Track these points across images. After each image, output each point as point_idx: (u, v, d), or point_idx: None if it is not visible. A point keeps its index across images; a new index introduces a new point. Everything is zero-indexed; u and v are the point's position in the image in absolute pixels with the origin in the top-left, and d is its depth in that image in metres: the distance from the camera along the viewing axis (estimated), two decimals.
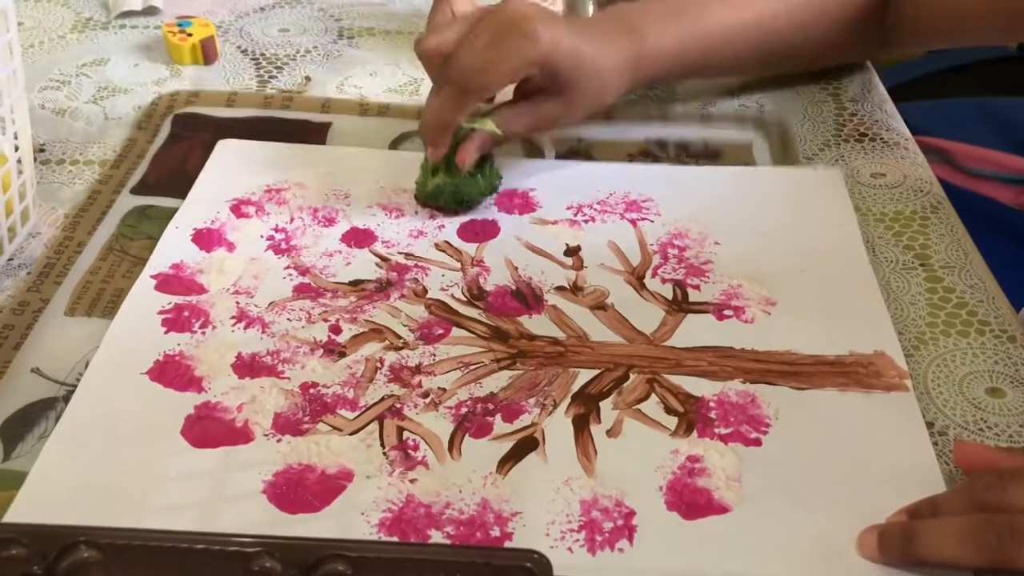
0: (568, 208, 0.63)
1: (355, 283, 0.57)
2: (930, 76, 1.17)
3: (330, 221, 0.62)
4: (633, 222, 0.62)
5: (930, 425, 0.50)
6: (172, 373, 0.51)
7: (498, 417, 0.49)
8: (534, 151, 0.69)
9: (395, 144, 0.70)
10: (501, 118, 0.61)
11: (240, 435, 0.48)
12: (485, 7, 0.60)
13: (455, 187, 0.61)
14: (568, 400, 0.50)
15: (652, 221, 0.62)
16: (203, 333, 0.54)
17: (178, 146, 0.69)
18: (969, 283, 0.58)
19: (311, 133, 0.71)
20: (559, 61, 0.59)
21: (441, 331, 0.54)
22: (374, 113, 0.73)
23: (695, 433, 0.49)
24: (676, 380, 0.51)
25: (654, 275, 0.58)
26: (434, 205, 0.62)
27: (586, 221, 0.62)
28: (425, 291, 0.57)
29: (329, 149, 0.69)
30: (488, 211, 0.63)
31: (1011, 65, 1.16)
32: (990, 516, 0.41)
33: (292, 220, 0.62)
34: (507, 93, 0.63)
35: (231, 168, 0.66)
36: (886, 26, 0.68)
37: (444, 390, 0.51)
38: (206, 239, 0.60)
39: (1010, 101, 1.06)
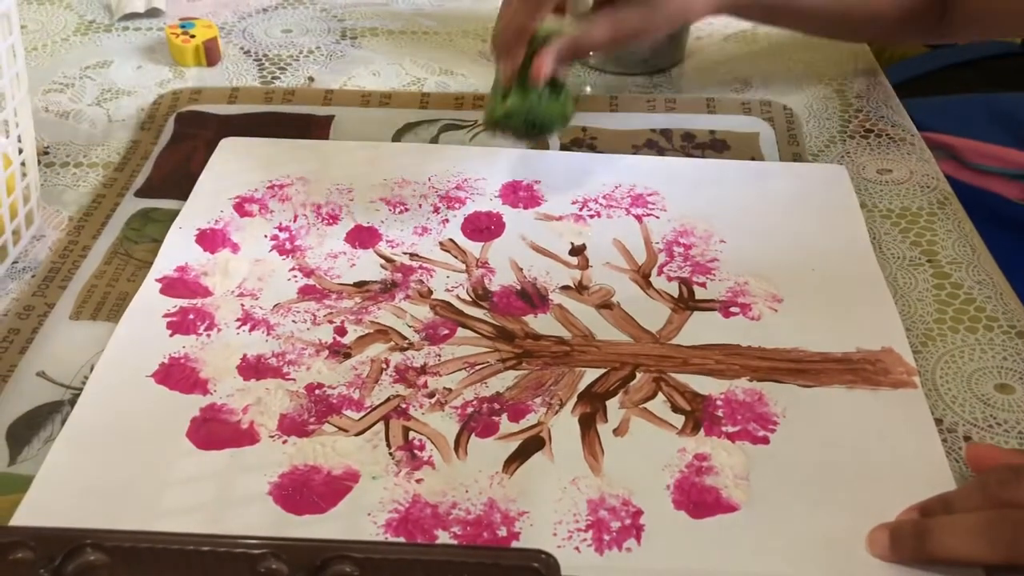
0: (574, 203, 0.63)
1: (360, 284, 0.57)
2: (936, 72, 1.16)
3: (334, 218, 0.62)
4: (639, 218, 0.62)
5: (939, 422, 0.49)
6: (177, 376, 0.51)
7: (504, 417, 0.49)
8: (540, 143, 0.68)
9: (398, 136, 0.70)
10: (581, 25, 0.58)
11: (246, 437, 0.48)
12: None
13: (529, 109, 0.57)
14: (574, 399, 0.50)
15: (658, 217, 0.62)
16: (208, 336, 0.54)
17: (181, 146, 0.69)
18: (977, 279, 0.58)
19: (315, 127, 0.70)
20: None
21: (446, 331, 0.54)
22: (376, 104, 0.73)
23: (702, 431, 0.49)
24: (683, 378, 0.51)
25: (660, 273, 0.58)
26: (505, 130, 0.59)
27: (591, 216, 0.62)
28: (430, 292, 0.57)
29: (331, 144, 0.69)
30: (493, 204, 0.63)
31: (1017, 60, 1.15)
32: (1005, 512, 0.41)
33: (296, 218, 0.62)
34: (586, 4, 0.61)
35: (233, 166, 0.66)
36: (948, 13, 0.68)
37: (450, 390, 0.51)
38: (210, 240, 0.60)
39: (1017, 97, 1.05)
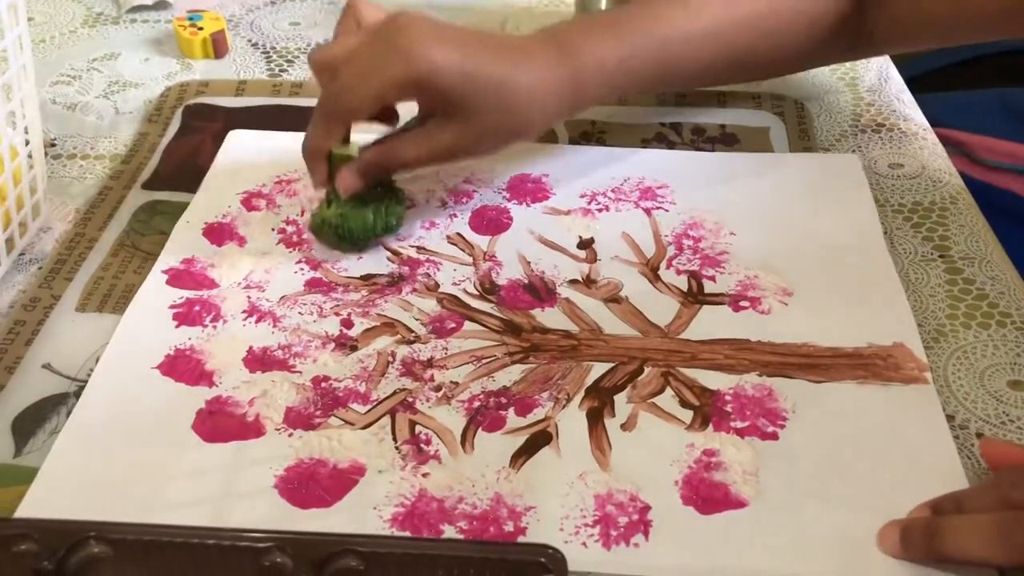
0: (582, 196, 0.62)
1: (367, 277, 0.57)
2: (948, 68, 1.16)
3: None
4: (648, 211, 0.61)
5: (951, 418, 0.49)
6: (183, 367, 0.51)
7: (511, 411, 0.49)
8: (548, 136, 0.68)
9: (406, 128, 0.69)
10: (384, 146, 0.56)
11: (251, 430, 0.48)
12: (391, 17, 0.54)
13: (339, 221, 0.56)
14: (582, 394, 0.50)
15: (667, 210, 0.61)
16: (214, 327, 0.53)
17: (189, 138, 0.69)
18: (989, 274, 0.57)
19: None
20: (443, 82, 0.52)
21: (453, 325, 0.54)
22: None
23: (711, 427, 0.48)
24: (691, 373, 0.51)
25: (669, 266, 0.57)
26: (320, 239, 0.58)
27: (600, 210, 0.61)
28: (437, 285, 0.56)
29: None
30: (500, 199, 0.62)
31: None
32: (1018, 514, 0.40)
33: (303, 212, 0.61)
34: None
35: (241, 160, 0.66)
36: (865, 30, 0.63)
37: (456, 384, 0.50)
38: (217, 233, 0.60)
39: None
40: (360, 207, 0.56)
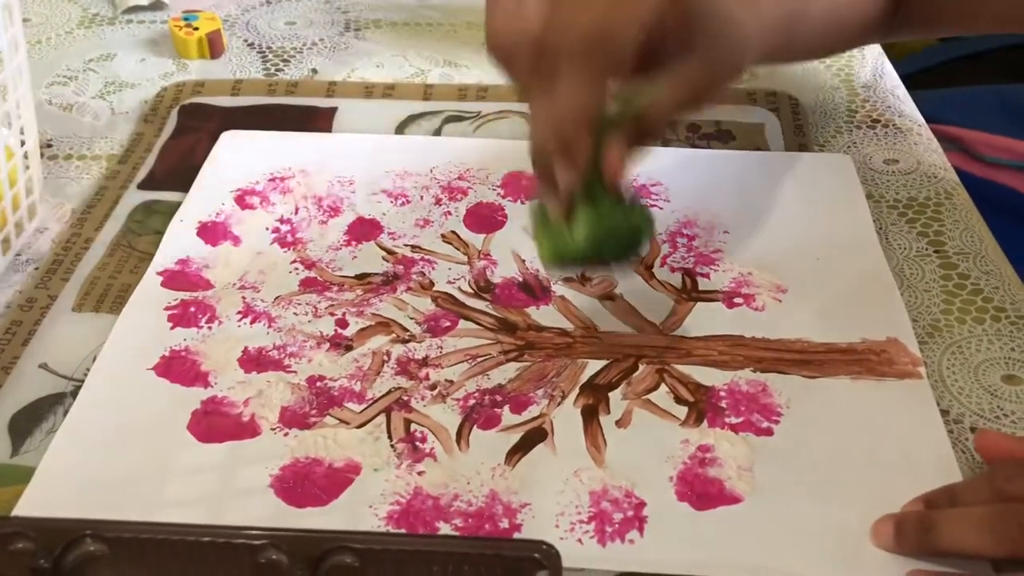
0: None
1: (361, 277, 0.57)
2: (945, 64, 1.16)
3: (335, 211, 0.62)
4: None
5: (945, 413, 0.49)
6: (178, 368, 0.51)
7: (506, 409, 0.49)
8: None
9: (401, 128, 0.69)
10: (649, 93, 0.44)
11: (247, 429, 0.48)
12: None
13: (619, 222, 0.40)
14: (576, 391, 0.50)
15: (661, 208, 0.61)
16: (209, 328, 0.53)
17: (185, 138, 0.69)
18: (984, 269, 0.57)
19: (318, 119, 0.70)
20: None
21: (448, 323, 0.54)
22: (379, 95, 0.73)
23: (705, 423, 0.48)
24: (686, 370, 0.51)
25: (663, 264, 0.58)
26: (592, 265, 0.42)
27: None
28: (432, 284, 0.57)
29: (332, 136, 0.69)
30: (495, 196, 0.62)
31: None
32: (1012, 507, 0.40)
33: (297, 211, 0.62)
34: None
35: (234, 158, 0.66)
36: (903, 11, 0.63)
37: (452, 382, 0.50)
38: (211, 233, 0.60)
39: None
40: (607, 208, 0.41)
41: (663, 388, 0.50)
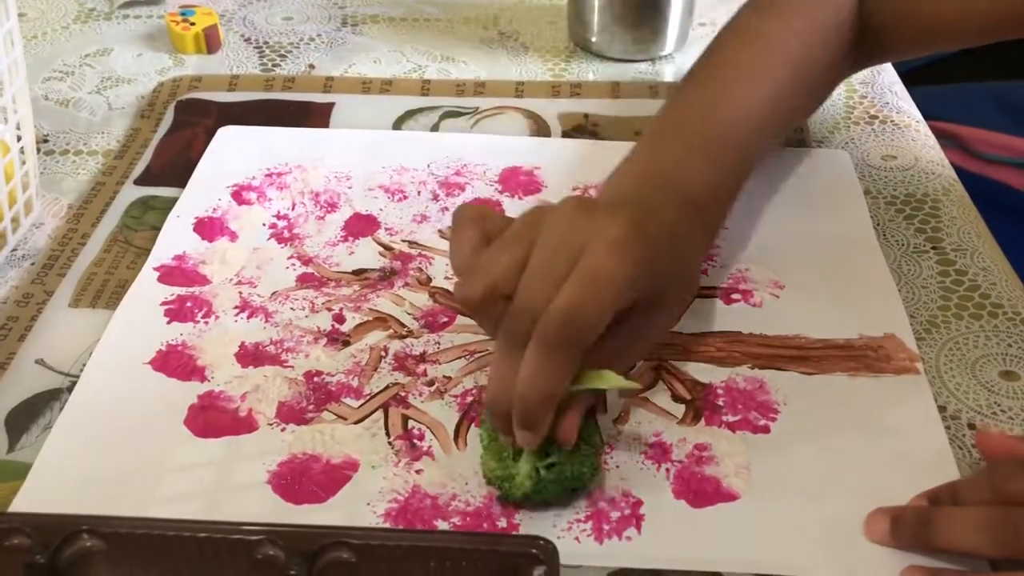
0: (574, 189, 0.62)
1: (359, 272, 0.57)
2: (942, 61, 1.15)
3: (332, 206, 0.61)
4: None
5: (942, 409, 0.49)
6: (175, 363, 0.51)
7: None
8: (541, 128, 0.68)
9: (399, 123, 0.69)
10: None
11: (244, 425, 0.48)
12: (532, 213, 0.45)
13: (559, 471, 0.43)
14: None
15: None
16: (206, 323, 0.53)
17: (181, 133, 0.69)
18: (982, 265, 0.57)
19: (315, 114, 0.70)
20: (659, 262, 0.44)
21: (446, 319, 0.54)
22: (377, 91, 0.73)
23: (703, 421, 0.48)
24: (683, 367, 0.51)
25: None
26: (533, 503, 0.44)
27: None
28: (429, 279, 0.56)
29: (329, 131, 0.68)
30: (493, 192, 0.62)
31: None
32: (1010, 509, 0.40)
33: (294, 206, 0.61)
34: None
35: (231, 154, 0.65)
36: (863, 43, 0.61)
37: (449, 378, 0.50)
38: (208, 229, 0.60)
39: None
40: (555, 459, 0.44)
41: (660, 386, 0.50)
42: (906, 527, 0.42)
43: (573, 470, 0.44)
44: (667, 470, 0.46)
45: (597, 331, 0.42)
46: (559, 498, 0.44)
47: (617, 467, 0.46)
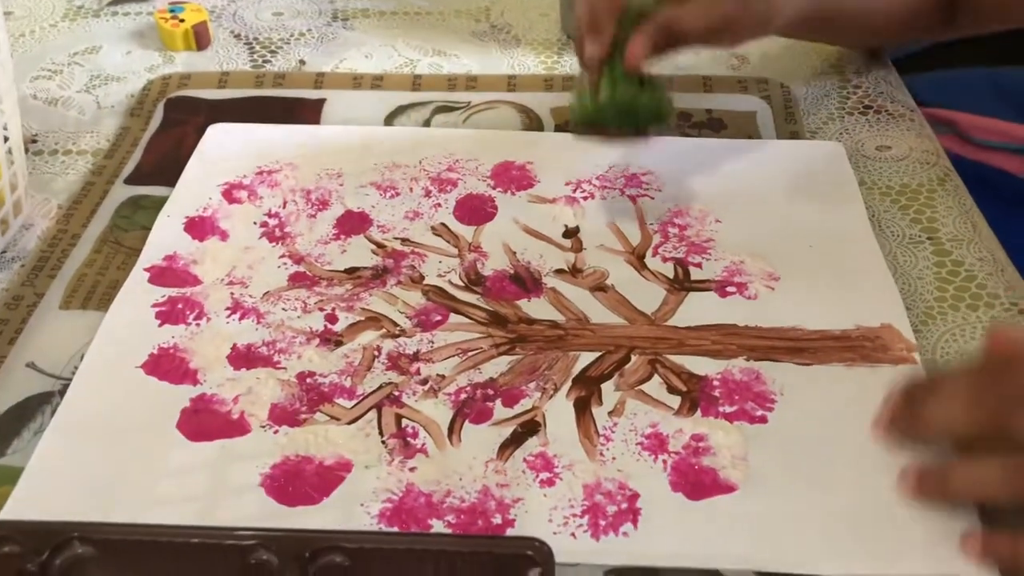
0: (567, 184, 0.62)
1: (351, 271, 0.57)
2: (937, 47, 1.15)
3: (323, 204, 0.61)
4: (633, 199, 0.61)
5: None
6: (167, 366, 0.51)
7: (498, 402, 0.49)
8: (533, 123, 0.67)
9: (390, 119, 0.69)
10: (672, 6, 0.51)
11: (236, 427, 0.48)
12: None
13: (625, 100, 0.48)
14: (569, 383, 0.50)
15: (652, 198, 0.61)
16: (197, 325, 0.53)
17: (171, 132, 0.68)
18: (978, 256, 0.57)
19: (306, 111, 0.70)
20: None
21: (439, 317, 0.53)
22: (368, 86, 0.72)
23: (699, 412, 0.48)
24: (679, 360, 0.51)
25: (655, 254, 0.57)
26: (597, 132, 0.50)
27: (585, 198, 0.61)
28: (422, 277, 0.56)
29: (320, 128, 0.68)
30: (485, 187, 0.62)
31: (1021, 34, 1.13)
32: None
33: (285, 204, 0.61)
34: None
35: (221, 152, 0.65)
36: (957, 7, 0.64)
37: (443, 377, 0.50)
38: (199, 228, 0.59)
39: (1020, 71, 1.04)
40: (641, 88, 0.49)
41: (656, 379, 0.50)
42: (928, 482, 0.42)
43: (644, 98, 0.48)
44: (664, 461, 0.46)
45: None
46: (630, 124, 0.49)
47: (614, 459, 0.46)
